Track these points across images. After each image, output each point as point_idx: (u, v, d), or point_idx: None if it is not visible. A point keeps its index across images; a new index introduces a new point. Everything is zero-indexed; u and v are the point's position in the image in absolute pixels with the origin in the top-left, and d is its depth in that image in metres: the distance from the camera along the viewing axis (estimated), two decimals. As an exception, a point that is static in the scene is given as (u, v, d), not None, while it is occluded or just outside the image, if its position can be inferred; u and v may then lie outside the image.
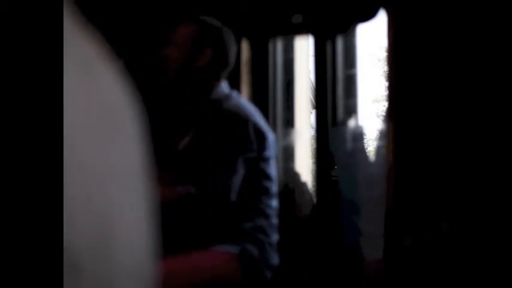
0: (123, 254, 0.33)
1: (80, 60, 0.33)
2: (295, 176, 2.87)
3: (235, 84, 2.36)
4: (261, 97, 2.66)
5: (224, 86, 1.90)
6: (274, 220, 1.87)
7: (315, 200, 2.71)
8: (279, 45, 2.79)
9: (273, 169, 1.86)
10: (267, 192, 1.83)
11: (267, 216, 1.83)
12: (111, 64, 0.36)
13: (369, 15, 2.51)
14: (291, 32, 2.77)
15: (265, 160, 1.82)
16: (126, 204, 0.34)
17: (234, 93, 1.91)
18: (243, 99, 1.95)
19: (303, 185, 2.92)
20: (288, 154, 2.83)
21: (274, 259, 1.86)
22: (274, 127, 2.71)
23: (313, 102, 2.73)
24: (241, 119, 1.77)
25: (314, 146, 2.73)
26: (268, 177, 1.84)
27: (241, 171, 1.75)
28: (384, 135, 2.41)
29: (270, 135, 1.85)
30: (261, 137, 1.80)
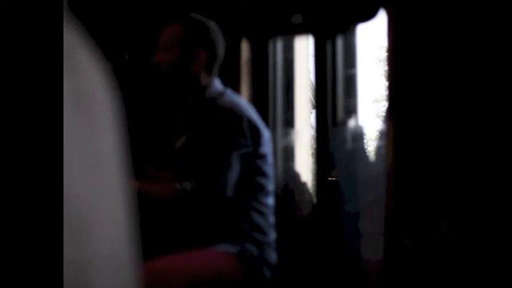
0: (100, 241, 0.34)
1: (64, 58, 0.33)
2: (295, 176, 2.87)
3: (235, 84, 2.36)
4: (261, 97, 2.66)
5: (217, 84, 1.91)
6: (271, 218, 1.87)
7: (315, 200, 2.71)
8: (279, 45, 2.79)
9: (268, 166, 1.86)
10: (262, 189, 1.84)
11: (263, 215, 1.84)
12: (94, 61, 0.37)
13: (368, 15, 2.51)
14: (291, 32, 2.77)
15: (261, 157, 1.82)
16: (104, 194, 0.35)
17: (228, 91, 1.91)
18: (237, 96, 1.95)
19: (303, 185, 2.92)
20: (288, 154, 2.83)
21: (273, 257, 1.86)
22: (274, 127, 2.71)
23: (313, 102, 2.73)
24: (235, 115, 1.78)
25: (314, 146, 2.73)
26: (263, 174, 1.84)
27: (236, 167, 1.75)
28: (383, 135, 2.41)
29: (265, 132, 1.85)
30: (255, 133, 1.80)
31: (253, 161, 1.80)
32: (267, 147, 1.85)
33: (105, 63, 0.39)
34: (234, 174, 1.74)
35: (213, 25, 1.90)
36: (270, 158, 1.88)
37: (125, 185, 0.38)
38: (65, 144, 0.32)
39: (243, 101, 1.93)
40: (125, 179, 0.38)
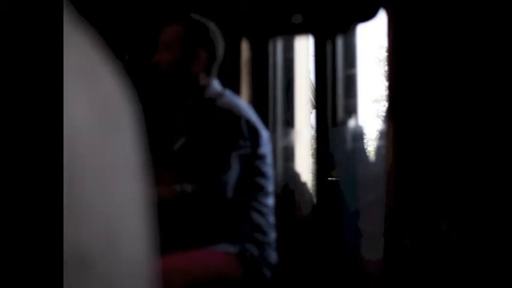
0: (127, 249, 0.34)
1: (80, 61, 0.33)
2: (295, 176, 2.88)
3: (235, 84, 2.36)
4: (261, 97, 2.66)
5: (216, 84, 1.91)
6: (271, 218, 1.87)
7: (315, 200, 2.71)
8: (279, 45, 2.79)
9: (268, 167, 1.86)
10: (262, 190, 1.84)
11: (263, 215, 1.84)
12: (110, 65, 0.37)
13: (368, 15, 2.51)
14: (291, 32, 2.77)
15: (260, 157, 1.83)
16: (127, 202, 0.35)
17: (227, 91, 1.91)
18: (236, 97, 1.95)
19: (303, 185, 2.92)
20: (288, 154, 2.83)
21: (273, 257, 1.86)
22: (274, 127, 2.71)
23: (313, 102, 2.73)
24: (234, 116, 1.78)
25: (314, 146, 2.73)
26: (263, 174, 1.84)
27: (236, 167, 1.75)
28: (383, 135, 2.41)
29: (264, 133, 1.85)
30: (254, 133, 1.80)
31: (252, 161, 1.80)
32: (266, 148, 1.85)
33: (117, 65, 0.39)
34: (233, 175, 1.74)
35: (212, 26, 1.90)
36: (269, 159, 1.88)
37: (145, 192, 0.38)
38: (89, 153, 0.32)
39: (242, 101, 1.93)
40: (145, 187, 0.38)
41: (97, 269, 0.31)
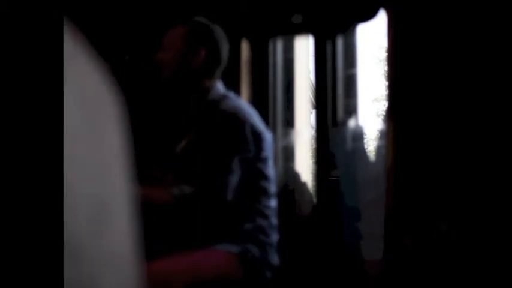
0: (114, 235, 0.35)
1: (69, 64, 0.34)
2: (295, 176, 2.87)
3: (235, 84, 2.36)
4: (261, 97, 2.66)
5: (220, 86, 1.90)
6: (274, 220, 1.87)
7: (315, 200, 2.71)
8: (279, 45, 2.79)
9: (270, 169, 1.86)
10: (265, 192, 1.84)
11: (266, 217, 1.84)
12: (98, 68, 0.37)
13: (368, 15, 2.51)
14: (291, 32, 2.77)
15: (263, 160, 1.82)
16: (112, 196, 0.36)
17: (231, 94, 1.91)
18: (240, 100, 1.95)
19: (303, 185, 2.92)
20: (288, 154, 2.83)
21: (275, 259, 1.86)
22: (274, 127, 2.71)
23: (313, 102, 2.73)
24: (238, 120, 1.77)
25: (314, 146, 2.73)
26: (266, 177, 1.84)
27: (238, 171, 1.75)
28: (383, 135, 2.41)
29: (268, 136, 1.85)
30: (258, 137, 1.80)
31: (255, 164, 1.80)
32: (268, 151, 1.85)
33: (104, 65, 0.40)
34: (234, 178, 1.74)
35: (217, 28, 1.90)
36: (271, 161, 1.88)
37: (129, 187, 0.39)
38: (74, 149, 0.33)
39: (245, 104, 1.91)
40: (129, 182, 0.39)
41: (86, 251, 0.32)
